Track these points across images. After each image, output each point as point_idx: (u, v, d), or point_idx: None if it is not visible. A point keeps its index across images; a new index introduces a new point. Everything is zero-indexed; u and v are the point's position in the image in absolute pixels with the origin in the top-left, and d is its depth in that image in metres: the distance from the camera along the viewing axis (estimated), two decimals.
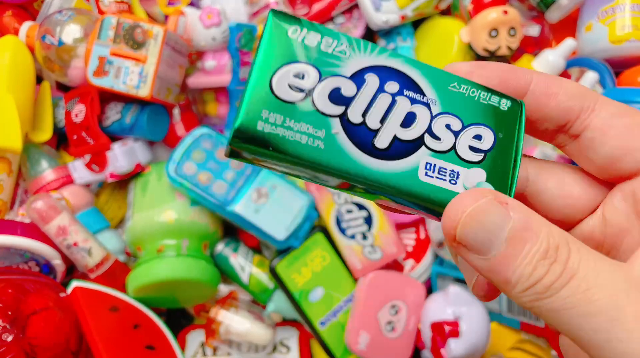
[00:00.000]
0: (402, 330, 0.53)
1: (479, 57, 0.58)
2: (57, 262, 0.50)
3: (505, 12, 0.54)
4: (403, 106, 0.17)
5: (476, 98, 0.18)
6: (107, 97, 0.54)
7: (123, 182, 0.57)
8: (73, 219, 0.50)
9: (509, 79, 0.19)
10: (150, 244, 0.52)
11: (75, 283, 0.47)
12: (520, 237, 0.16)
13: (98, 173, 0.53)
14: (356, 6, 0.62)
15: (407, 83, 0.17)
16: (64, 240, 0.49)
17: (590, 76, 0.52)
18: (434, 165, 0.17)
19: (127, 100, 0.54)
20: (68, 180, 0.54)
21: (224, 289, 0.57)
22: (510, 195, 0.18)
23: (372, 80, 0.17)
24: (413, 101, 0.17)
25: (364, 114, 0.17)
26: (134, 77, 0.50)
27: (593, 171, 0.19)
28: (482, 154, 0.18)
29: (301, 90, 0.16)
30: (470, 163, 0.18)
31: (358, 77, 0.17)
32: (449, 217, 0.17)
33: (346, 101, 0.17)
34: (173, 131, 0.58)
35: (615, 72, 0.55)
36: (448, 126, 0.18)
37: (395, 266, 0.57)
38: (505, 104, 0.18)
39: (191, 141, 0.53)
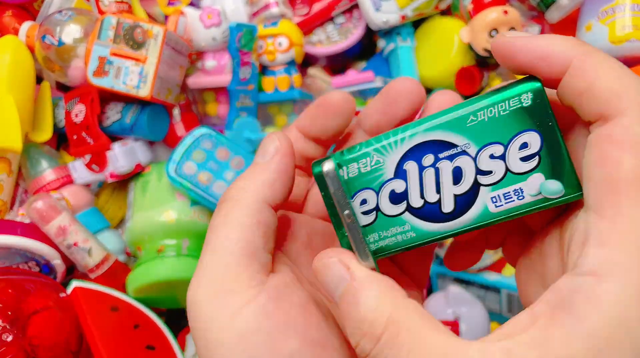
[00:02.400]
0: None
1: (479, 57, 0.58)
2: (57, 262, 0.50)
3: (506, 12, 0.54)
4: (446, 168, 0.19)
5: (497, 115, 0.18)
6: (107, 97, 0.54)
7: (123, 182, 0.57)
8: (73, 220, 0.50)
9: (539, 66, 0.18)
10: (150, 244, 0.52)
11: (75, 283, 0.47)
12: (348, 301, 0.18)
13: (98, 173, 0.53)
14: (356, 6, 0.62)
15: (438, 147, 0.19)
16: (64, 240, 0.49)
17: None
18: (498, 196, 0.19)
19: (127, 100, 0.54)
20: (68, 180, 0.54)
21: None
22: (575, 176, 0.18)
23: (411, 166, 0.19)
24: (451, 158, 0.19)
25: (422, 196, 0.19)
26: (134, 77, 0.50)
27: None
28: (536, 157, 0.18)
29: (371, 210, 0.20)
30: (526, 173, 0.18)
31: (400, 172, 0.20)
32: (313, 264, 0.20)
33: (403, 196, 0.20)
34: (173, 131, 0.58)
35: None
36: (492, 156, 0.18)
37: None
38: (527, 98, 0.18)
39: (191, 141, 0.53)
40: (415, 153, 0.19)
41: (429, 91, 0.64)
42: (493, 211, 0.19)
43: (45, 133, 0.54)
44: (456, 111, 0.19)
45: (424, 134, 0.19)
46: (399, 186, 0.20)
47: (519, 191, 0.18)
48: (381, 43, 0.63)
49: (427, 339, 0.16)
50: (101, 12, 0.54)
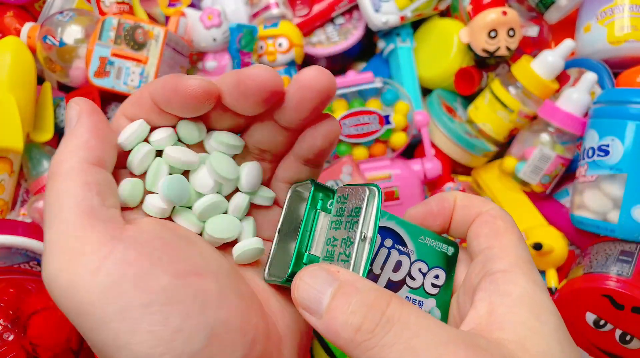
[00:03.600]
0: None
1: (478, 58, 0.58)
2: None
3: (505, 13, 0.55)
4: (394, 256, 0.24)
5: (435, 247, 0.25)
6: (108, 97, 0.54)
7: None
8: None
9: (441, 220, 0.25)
10: None
11: None
12: (344, 292, 0.18)
13: None
14: (356, 7, 0.62)
15: (398, 239, 0.24)
16: None
17: (589, 77, 0.53)
18: (410, 298, 0.24)
19: None
20: None
21: None
22: (447, 316, 0.24)
23: (377, 239, 0.23)
24: (400, 252, 0.24)
25: (371, 263, 0.22)
26: (135, 77, 0.50)
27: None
28: (438, 289, 0.24)
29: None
30: (429, 295, 0.24)
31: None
32: (291, 287, 0.20)
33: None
34: None
35: (614, 72, 0.55)
36: (419, 270, 0.24)
37: None
38: (450, 251, 0.25)
39: None
40: (383, 232, 0.24)
41: (428, 91, 0.64)
42: None
43: (47, 133, 0.54)
44: (421, 229, 0.25)
45: (397, 226, 0.24)
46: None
47: (421, 303, 0.24)
48: (381, 44, 0.63)
49: (420, 316, 0.18)
50: (102, 13, 0.55)
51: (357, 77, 0.57)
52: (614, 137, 0.47)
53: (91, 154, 0.20)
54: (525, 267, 0.21)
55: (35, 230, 0.49)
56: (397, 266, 0.24)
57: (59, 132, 0.56)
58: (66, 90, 0.58)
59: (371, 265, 0.23)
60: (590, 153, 0.49)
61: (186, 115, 0.22)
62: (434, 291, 0.24)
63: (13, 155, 0.53)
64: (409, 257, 0.24)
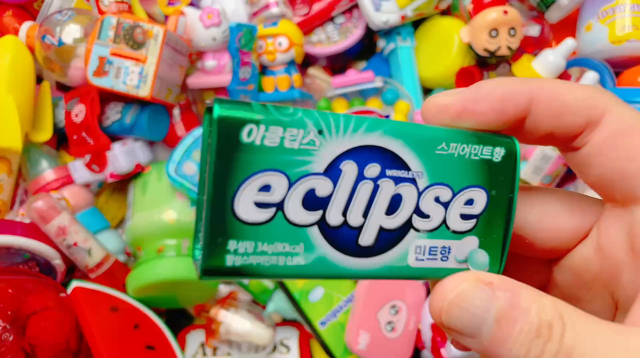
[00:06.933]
0: (402, 330, 0.53)
1: (479, 58, 0.58)
2: (57, 262, 0.50)
3: (505, 12, 0.54)
4: (386, 190, 0.15)
5: (467, 156, 0.16)
6: (107, 97, 0.54)
7: (123, 182, 0.57)
8: (73, 219, 0.50)
9: (506, 107, 0.16)
10: (150, 244, 0.52)
11: (75, 283, 0.47)
12: (509, 317, 0.15)
13: (98, 173, 0.53)
14: (356, 6, 0.62)
15: (389, 160, 0.15)
16: (63, 240, 0.49)
17: (590, 76, 0.52)
18: (424, 247, 0.16)
19: (127, 100, 0.54)
20: (68, 180, 0.54)
21: (224, 289, 0.57)
22: (502, 260, 0.17)
23: (349, 169, 0.15)
24: (397, 181, 0.15)
25: (344, 213, 0.15)
26: (134, 77, 0.50)
27: (589, 186, 0.18)
28: (474, 220, 0.16)
29: (270, 205, 0.14)
30: (461, 233, 0.16)
31: (333, 170, 0.14)
32: (433, 306, 0.16)
33: (323, 203, 0.14)
34: (173, 131, 0.58)
35: (615, 72, 0.55)
36: (437, 199, 0.16)
37: None
38: (498, 154, 0.16)
39: (191, 141, 0.53)
40: (362, 154, 0.15)
41: (429, 91, 0.64)
42: (410, 265, 0.16)
43: (46, 133, 0.54)
44: (434, 130, 0.16)
45: (383, 137, 0.15)
46: (323, 186, 0.14)
47: (446, 249, 0.16)
48: (381, 43, 0.63)
49: (596, 331, 0.15)
50: (101, 12, 0.54)
51: (358, 76, 0.57)
52: None
53: None
54: None
55: (33, 230, 0.49)
56: (394, 204, 0.15)
57: (57, 132, 0.56)
58: (65, 89, 0.58)
59: (345, 213, 0.15)
60: None
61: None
62: (468, 225, 0.16)
63: (12, 155, 0.52)
64: (415, 184, 0.16)
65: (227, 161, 0.13)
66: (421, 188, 0.16)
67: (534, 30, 0.60)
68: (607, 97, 0.16)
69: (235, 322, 0.53)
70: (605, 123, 0.16)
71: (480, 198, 0.16)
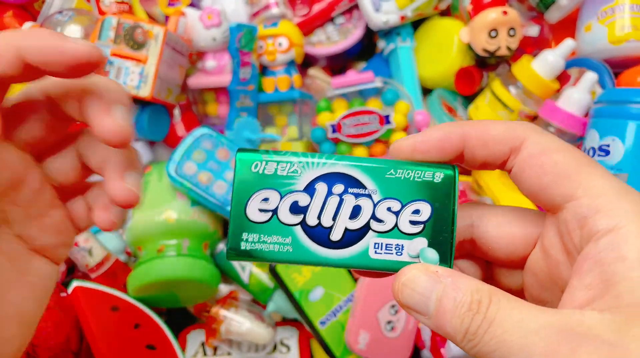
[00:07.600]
0: (402, 330, 0.53)
1: (478, 58, 0.58)
2: None
3: (505, 12, 0.54)
4: (349, 202, 0.21)
5: (411, 179, 0.22)
6: None
7: None
8: None
9: (444, 146, 0.21)
10: (150, 244, 0.52)
11: (75, 283, 0.47)
12: (449, 296, 0.19)
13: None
14: (356, 6, 0.62)
15: (351, 182, 0.22)
16: None
17: (590, 77, 0.52)
18: (381, 244, 0.21)
19: None
20: None
21: (224, 289, 0.57)
22: (451, 258, 0.21)
23: (321, 187, 0.21)
24: (357, 196, 0.22)
25: (319, 217, 0.21)
26: (135, 77, 0.50)
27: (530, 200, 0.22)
28: (422, 225, 0.21)
29: (268, 211, 0.21)
30: (411, 235, 0.21)
31: (310, 189, 0.21)
32: (392, 289, 0.20)
33: (303, 210, 0.21)
34: (173, 131, 0.59)
35: (615, 72, 0.55)
36: (389, 209, 0.21)
37: None
38: (439, 177, 0.22)
39: (191, 141, 0.53)
40: (330, 178, 0.22)
41: (429, 91, 0.64)
42: (371, 256, 0.21)
43: None
44: (383, 163, 0.22)
45: (345, 167, 0.22)
46: (303, 199, 0.21)
47: (399, 246, 0.21)
48: (381, 43, 0.63)
49: (515, 308, 0.18)
50: (102, 12, 0.54)
51: (357, 76, 0.57)
52: (615, 137, 0.47)
53: None
54: (630, 210, 0.18)
55: None
56: (355, 212, 0.21)
57: None
58: None
59: (319, 217, 0.21)
60: (590, 153, 0.49)
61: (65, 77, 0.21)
62: (416, 229, 0.21)
63: None
64: (370, 198, 0.21)
65: (243, 181, 0.22)
66: (376, 200, 0.22)
67: (534, 30, 0.60)
68: (526, 128, 0.21)
69: (235, 321, 0.53)
70: (524, 148, 0.20)
71: (425, 209, 0.22)
